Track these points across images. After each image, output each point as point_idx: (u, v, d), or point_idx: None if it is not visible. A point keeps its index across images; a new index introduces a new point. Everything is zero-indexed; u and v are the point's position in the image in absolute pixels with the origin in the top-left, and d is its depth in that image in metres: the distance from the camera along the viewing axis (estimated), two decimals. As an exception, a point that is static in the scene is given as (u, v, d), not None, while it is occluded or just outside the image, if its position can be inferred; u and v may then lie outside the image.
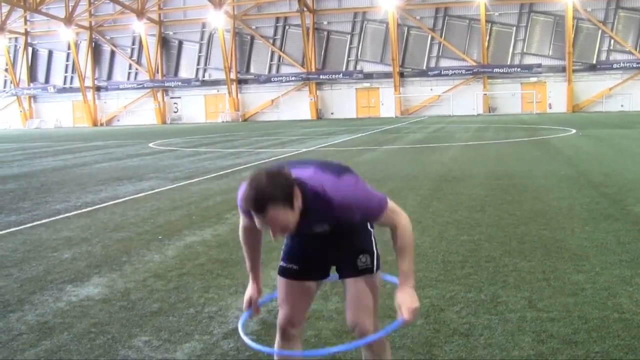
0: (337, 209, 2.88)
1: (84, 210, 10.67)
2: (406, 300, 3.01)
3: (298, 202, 2.77)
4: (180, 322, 4.94)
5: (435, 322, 4.74)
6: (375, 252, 3.24)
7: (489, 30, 64.37)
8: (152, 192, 12.72)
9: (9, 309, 5.41)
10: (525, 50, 64.48)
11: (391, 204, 3.06)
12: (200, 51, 73.48)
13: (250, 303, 3.42)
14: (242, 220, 3.29)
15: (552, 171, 13.69)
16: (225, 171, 16.10)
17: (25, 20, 75.82)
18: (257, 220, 2.75)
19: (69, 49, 73.39)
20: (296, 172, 2.86)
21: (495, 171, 14.10)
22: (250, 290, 3.43)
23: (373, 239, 3.27)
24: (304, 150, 22.90)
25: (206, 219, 9.39)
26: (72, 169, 18.23)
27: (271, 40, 71.07)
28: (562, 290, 5.38)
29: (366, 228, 3.26)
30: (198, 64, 73.62)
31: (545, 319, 4.70)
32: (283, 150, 23.12)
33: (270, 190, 2.65)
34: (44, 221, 9.69)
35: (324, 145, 25.29)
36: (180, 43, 74.02)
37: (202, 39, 73.00)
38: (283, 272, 3.33)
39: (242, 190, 2.88)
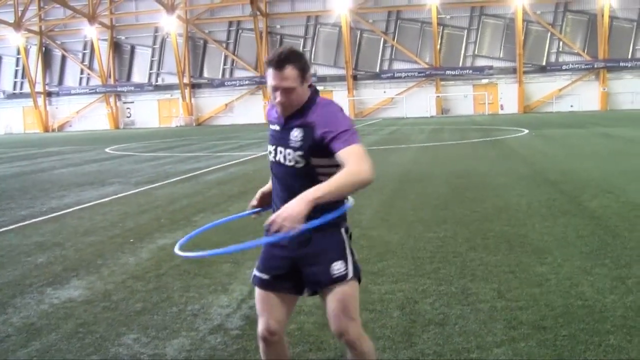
0: (317, 113, 3.12)
1: (50, 215, 10.68)
2: (283, 209, 2.80)
3: (307, 83, 3.14)
4: (166, 320, 5.09)
5: (411, 314, 4.97)
6: (349, 258, 3.21)
7: (440, 33, 65.25)
8: (116, 196, 12.74)
9: (-8, 312, 5.49)
10: (476, 53, 65.47)
11: (361, 150, 2.98)
12: (153, 56, 72.95)
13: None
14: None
15: (509, 170, 14.09)
16: (187, 175, 16.17)
17: (-27, 26, 74.54)
18: (270, 80, 3.07)
19: (18, 54, 72.17)
20: None
21: (454, 171, 14.44)
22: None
23: (347, 246, 3.24)
24: (263, 153, 22.98)
25: (175, 222, 9.50)
26: (31, 175, 18.08)
27: (224, 45, 70.91)
28: (528, 281, 5.67)
29: (339, 234, 3.24)
30: (151, 68, 73.09)
31: (515, 307, 4.98)
32: (242, 153, 23.22)
33: (293, 54, 3.07)
34: (11, 227, 9.70)
35: (282, 148, 25.30)
36: (133, 48, 73.41)
37: (154, 43, 72.49)
38: (256, 281, 3.37)
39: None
